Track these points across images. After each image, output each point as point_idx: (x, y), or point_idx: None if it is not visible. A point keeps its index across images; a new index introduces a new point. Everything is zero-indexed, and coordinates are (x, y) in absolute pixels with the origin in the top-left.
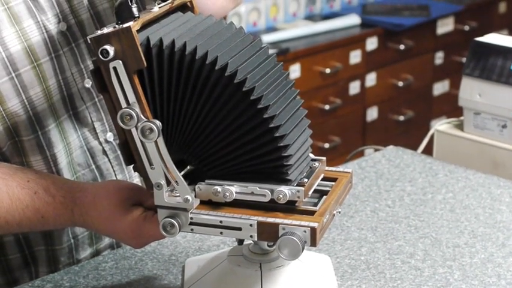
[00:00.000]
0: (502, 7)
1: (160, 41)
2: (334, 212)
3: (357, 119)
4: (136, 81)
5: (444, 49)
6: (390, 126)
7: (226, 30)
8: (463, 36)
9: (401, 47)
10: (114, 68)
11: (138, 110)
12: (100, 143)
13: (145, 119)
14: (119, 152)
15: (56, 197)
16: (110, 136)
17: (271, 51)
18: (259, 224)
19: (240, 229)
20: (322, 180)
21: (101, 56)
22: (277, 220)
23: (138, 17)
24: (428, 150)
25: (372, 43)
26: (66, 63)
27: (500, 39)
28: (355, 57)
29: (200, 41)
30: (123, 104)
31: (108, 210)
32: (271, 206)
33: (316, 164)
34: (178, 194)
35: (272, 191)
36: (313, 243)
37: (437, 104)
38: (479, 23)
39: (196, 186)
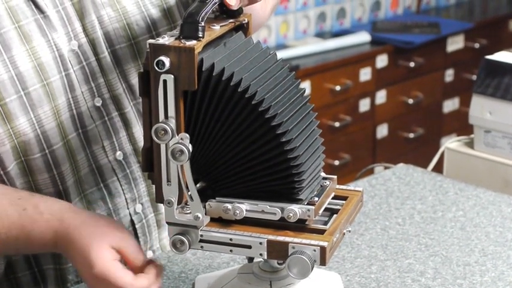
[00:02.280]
0: None
1: (213, 66)
2: (344, 231)
3: (367, 136)
4: (181, 99)
5: (454, 66)
6: (400, 144)
7: (269, 61)
8: (473, 54)
9: (412, 64)
10: (164, 81)
11: (173, 126)
12: (109, 161)
13: (178, 140)
14: (128, 171)
15: (44, 214)
16: (119, 155)
17: None
18: (269, 242)
19: (250, 247)
20: (333, 198)
21: (155, 66)
22: (287, 239)
23: (202, 38)
24: (438, 168)
25: (382, 60)
26: (76, 81)
27: (511, 57)
28: (365, 74)
29: (245, 73)
30: (161, 117)
31: (89, 238)
32: (282, 225)
33: (327, 182)
34: (189, 211)
35: (282, 210)
36: (323, 262)
37: (447, 121)
38: (490, 41)
39: (207, 203)
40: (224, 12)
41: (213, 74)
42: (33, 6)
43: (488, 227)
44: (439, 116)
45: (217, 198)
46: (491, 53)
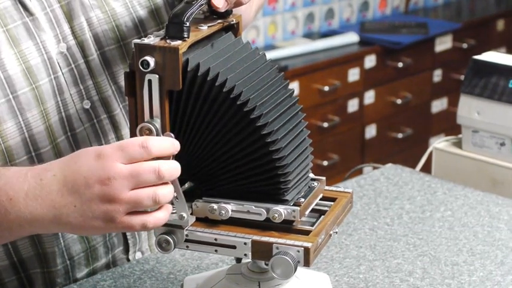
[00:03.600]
0: (500, 25)
1: (198, 66)
2: (331, 232)
3: (355, 136)
4: (167, 98)
5: (442, 67)
6: (389, 144)
7: (257, 62)
8: (461, 54)
9: (400, 64)
10: (149, 81)
11: (158, 125)
12: None
13: None
14: None
15: (12, 169)
16: None
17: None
18: (254, 242)
19: (234, 247)
20: (321, 199)
21: (140, 66)
22: (271, 239)
23: (187, 38)
24: (426, 168)
25: (370, 61)
26: (65, 84)
27: (499, 57)
28: (353, 75)
29: (231, 73)
30: (147, 116)
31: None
32: (268, 225)
33: (315, 183)
34: (174, 211)
35: (268, 210)
36: (307, 263)
37: (435, 121)
38: (478, 41)
39: (194, 203)
40: (213, 12)
41: (198, 74)
42: (21, 9)
43: (477, 227)
44: (427, 116)
45: (203, 198)
46: (479, 53)
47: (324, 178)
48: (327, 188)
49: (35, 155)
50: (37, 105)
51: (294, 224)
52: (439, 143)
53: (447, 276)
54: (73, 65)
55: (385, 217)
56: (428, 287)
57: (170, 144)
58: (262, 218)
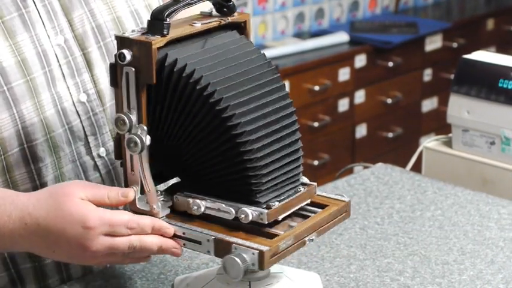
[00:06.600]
0: (490, 24)
1: (175, 61)
2: (307, 239)
3: (345, 136)
4: (144, 91)
5: (432, 66)
6: (379, 144)
7: (251, 61)
8: (451, 53)
9: (390, 64)
10: (127, 73)
11: (135, 117)
12: (92, 158)
13: (134, 133)
14: (110, 167)
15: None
16: (102, 151)
17: None
18: (216, 240)
19: (200, 243)
20: (313, 206)
21: (118, 58)
22: (232, 239)
23: (166, 35)
24: (417, 167)
25: (360, 60)
26: (61, 76)
27: (488, 56)
28: (343, 74)
29: (206, 67)
30: (124, 107)
31: (53, 194)
32: (239, 225)
33: (302, 188)
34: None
35: (237, 210)
36: (261, 266)
37: (426, 120)
38: (468, 40)
39: (175, 196)
40: (220, 11)
41: (174, 70)
42: (18, 1)
43: (467, 226)
44: (417, 115)
45: (184, 192)
46: (469, 52)
47: (314, 184)
48: (321, 193)
49: (27, 147)
50: (31, 97)
51: (275, 226)
52: (429, 142)
53: (437, 275)
54: (70, 58)
55: (375, 216)
56: (419, 286)
57: (151, 224)
58: (231, 217)
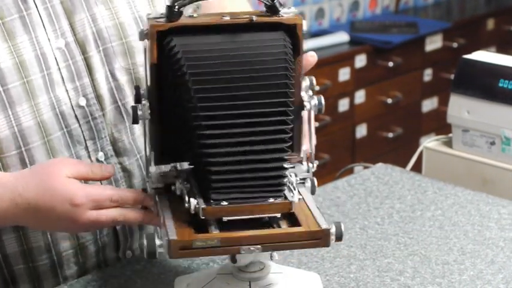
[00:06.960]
0: (490, 24)
1: (173, 47)
2: (245, 248)
3: (346, 136)
4: (150, 69)
5: (433, 66)
6: (379, 144)
7: (255, 62)
8: (452, 53)
9: (390, 64)
10: (144, 49)
11: (145, 92)
12: (91, 162)
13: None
14: None
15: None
16: (101, 156)
17: None
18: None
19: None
20: (290, 222)
21: (143, 34)
22: (168, 221)
23: (173, 21)
24: (417, 168)
25: (360, 60)
26: (60, 80)
27: (488, 56)
28: (344, 74)
29: (204, 62)
30: (149, 81)
31: (40, 174)
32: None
33: (273, 200)
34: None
35: (189, 199)
36: (169, 254)
37: (426, 120)
38: (468, 40)
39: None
40: (267, 8)
41: (170, 54)
42: (20, 2)
43: (467, 226)
44: (417, 115)
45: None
46: (469, 52)
47: (293, 201)
48: (316, 215)
49: (24, 150)
50: (28, 99)
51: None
52: (430, 143)
53: (438, 275)
54: (70, 61)
55: (375, 216)
56: (419, 286)
57: (134, 196)
58: (186, 205)
